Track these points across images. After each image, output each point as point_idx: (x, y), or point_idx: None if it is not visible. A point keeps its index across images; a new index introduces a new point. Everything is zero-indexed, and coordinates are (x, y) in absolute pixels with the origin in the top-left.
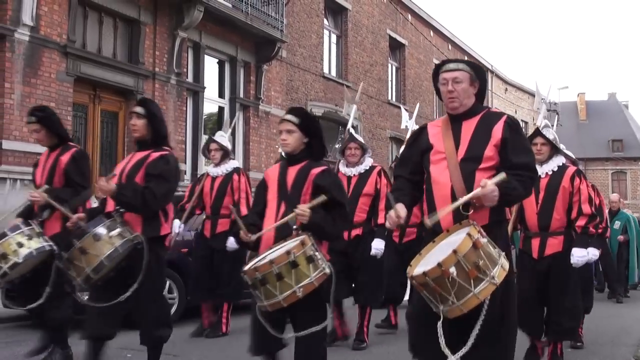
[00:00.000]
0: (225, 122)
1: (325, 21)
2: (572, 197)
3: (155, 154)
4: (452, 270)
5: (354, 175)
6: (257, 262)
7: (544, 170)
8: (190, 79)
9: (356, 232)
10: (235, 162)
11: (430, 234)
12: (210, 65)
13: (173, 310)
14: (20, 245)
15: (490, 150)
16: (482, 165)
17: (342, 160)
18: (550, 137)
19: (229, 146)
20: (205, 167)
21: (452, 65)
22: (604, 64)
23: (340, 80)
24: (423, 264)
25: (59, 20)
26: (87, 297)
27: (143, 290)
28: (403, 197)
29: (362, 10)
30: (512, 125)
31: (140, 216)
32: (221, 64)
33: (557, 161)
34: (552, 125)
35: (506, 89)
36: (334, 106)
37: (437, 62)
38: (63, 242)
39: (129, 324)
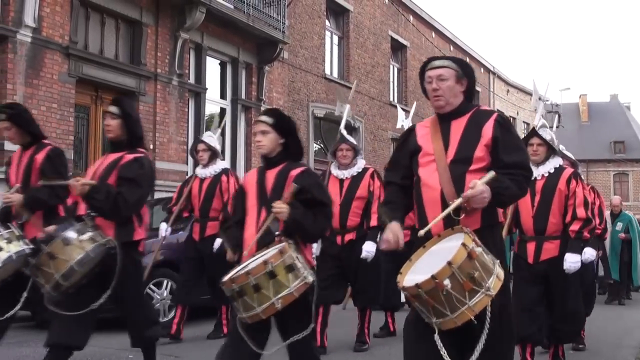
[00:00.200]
0: (215, 122)
1: (327, 22)
2: (568, 200)
3: (130, 156)
4: (447, 282)
5: (347, 178)
6: (234, 273)
7: (540, 172)
8: (192, 80)
9: (350, 236)
10: (224, 163)
11: (421, 239)
12: (212, 67)
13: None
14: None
15: (480, 151)
16: (472, 167)
17: (333, 163)
18: (547, 137)
19: (218, 147)
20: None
21: (437, 63)
22: (605, 66)
23: (342, 82)
24: (413, 272)
25: (61, 21)
26: (55, 304)
27: (126, 297)
28: (396, 213)
29: (363, 11)
30: (502, 123)
31: (112, 221)
32: (223, 65)
33: (554, 163)
34: (553, 127)
35: (508, 91)
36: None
37: None
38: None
39: (126, 324)
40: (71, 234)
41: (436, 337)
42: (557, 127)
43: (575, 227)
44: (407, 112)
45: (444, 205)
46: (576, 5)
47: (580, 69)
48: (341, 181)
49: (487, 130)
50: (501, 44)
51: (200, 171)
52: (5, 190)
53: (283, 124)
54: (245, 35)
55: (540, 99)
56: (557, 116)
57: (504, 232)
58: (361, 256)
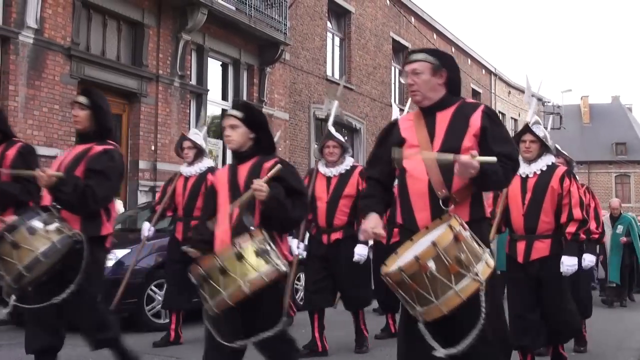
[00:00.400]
0: (201, 119)
1: (329, 24)
2: (562, 199)
3: (99, 148)
4: (431, 264)
5: (334, 175)
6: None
7: (532, 169)
8: (193, 81)
9: (336, 235)
10: (210, 161)
11: (408, 232)
12: (214, 68)
13: None
14: None
15: (469, 141)
16: None
17: (321, 160)
18: (540, 134)
19: (204, 144)
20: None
21: (411, 57)
22: (607, 67)
23: (344, 83)
24: (398, 263)
25: (63, 22)
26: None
27: (82, 295)
28: (376, 207)
29: (365, 13)
30: (490, 115)
31: (79, 214)
32: (224, 67)
33: (547, 160)
34: (548, 127)
35: (509, 92)
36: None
37: None
38: None
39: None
40: (37, 223)
41: (420, 325)
42: (559, 128)
43: (571, 228)
44: (402, 110)
45: (432, 196)
46: (577, 7)
47: (582, 70)
48: (328, 179)
49: (475, 120)
50: (502, 45)
51: (185, 169)
52: None
53: (254, 118)
54: (247, 36)
55: (533, 95)
56: (559, 117)
57: (493, 232)
58: (354, 259)
